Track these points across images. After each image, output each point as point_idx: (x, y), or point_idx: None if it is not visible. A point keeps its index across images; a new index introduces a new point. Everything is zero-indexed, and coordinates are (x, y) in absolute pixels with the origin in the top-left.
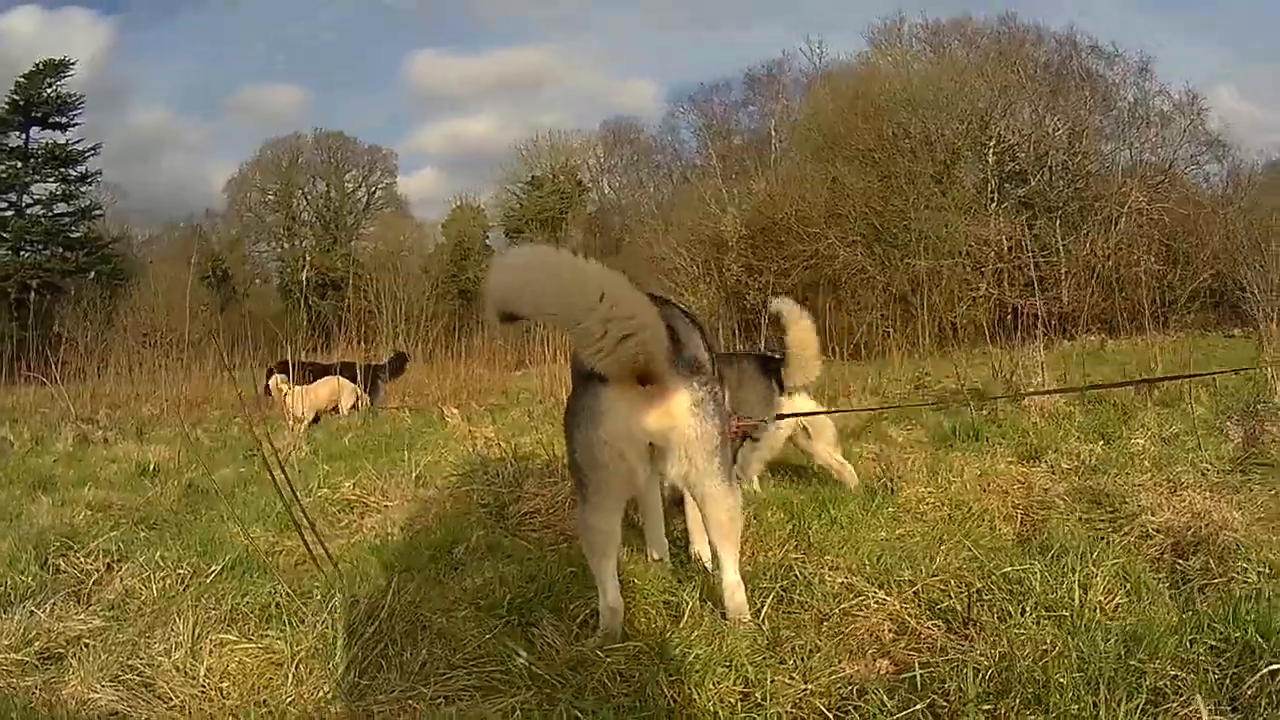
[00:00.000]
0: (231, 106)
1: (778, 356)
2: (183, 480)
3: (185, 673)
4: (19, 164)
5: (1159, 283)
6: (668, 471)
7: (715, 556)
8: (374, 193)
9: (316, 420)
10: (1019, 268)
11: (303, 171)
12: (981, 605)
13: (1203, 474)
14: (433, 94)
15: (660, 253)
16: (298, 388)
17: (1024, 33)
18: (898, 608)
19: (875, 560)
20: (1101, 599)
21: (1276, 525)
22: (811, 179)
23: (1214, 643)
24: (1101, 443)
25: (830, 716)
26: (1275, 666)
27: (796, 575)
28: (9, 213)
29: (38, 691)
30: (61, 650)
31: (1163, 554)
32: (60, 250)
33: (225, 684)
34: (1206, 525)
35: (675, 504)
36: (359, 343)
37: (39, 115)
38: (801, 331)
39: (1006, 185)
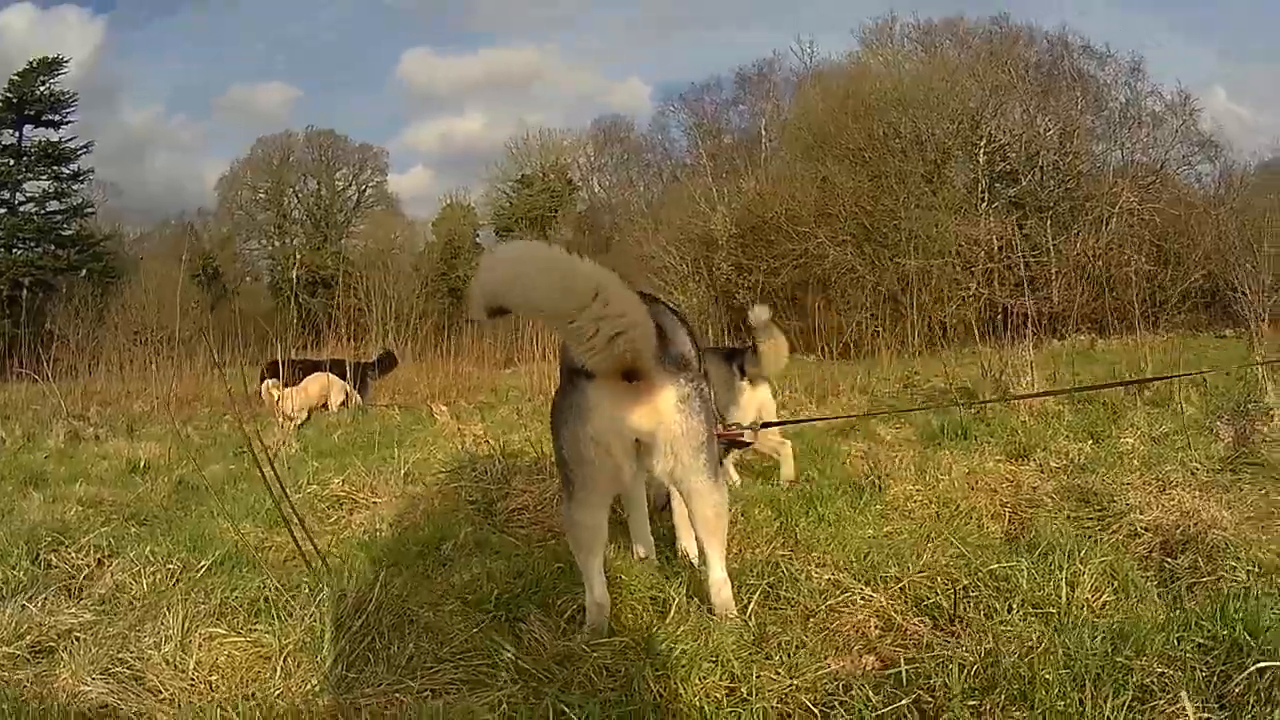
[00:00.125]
0: (223, 105)
1: (739, 348)
2: (173, 477)
3: (175, 666)
4: (12, 161)
5: (1150, 283)
6: (654, 467)
7: (702, 552)
8: (364, 191)
9: (308, 418)
10: (1009, 267)
11: (294, 169)
12: (968, 602)
13: (1192, 473)
14: (424, 92)
15: (650, 251)
16: (289, 388)
17: (1015, 33)
18: (884, 604)
19: (862, 557)
20: (1089, 596)
21: (1266, 524)
22: (801, 178)
23: (1201, 640)
24: (1091, 442)
25: (815, 712)
26: (1263, 664)
27: (783, 572)
28: (1, 210)
29: (29, 684)
30: (53, 644)
31: (1151, 552)
32: (52, 248)
33: (214, 677)
34: (1195, 524)
35: (661, 507)
36: (349, 340)
37: (32, 113)
38: (774, 346)
39: (997, 185)
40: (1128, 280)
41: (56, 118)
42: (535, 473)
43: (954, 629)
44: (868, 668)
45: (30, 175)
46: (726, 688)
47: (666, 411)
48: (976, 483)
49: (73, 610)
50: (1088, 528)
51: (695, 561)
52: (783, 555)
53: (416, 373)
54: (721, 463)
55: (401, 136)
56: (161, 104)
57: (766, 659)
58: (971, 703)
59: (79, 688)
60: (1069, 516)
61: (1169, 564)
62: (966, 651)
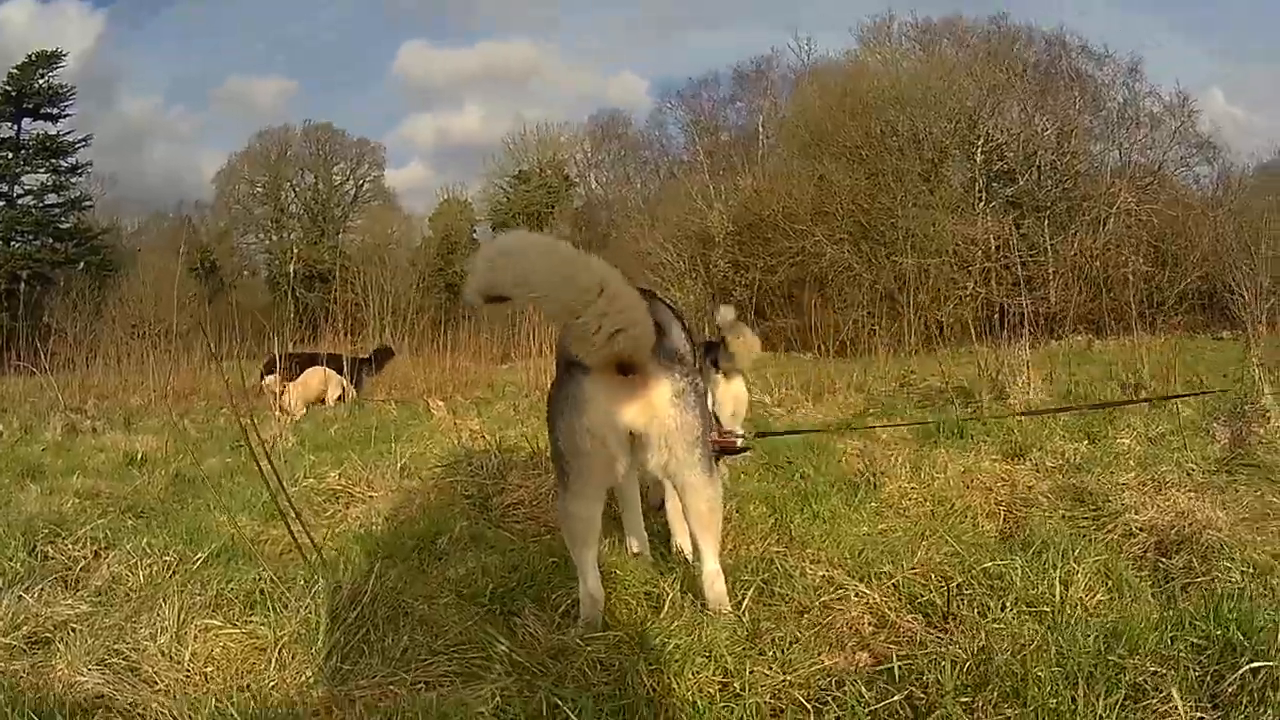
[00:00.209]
0: (221, 98)
1: (713, 341)
2: (170, 470)
3: (170, 657)
4: (10, 154)
5: (1147, 284)
6: (648, 461)
7: (695, 547)
8: (362, 185)
9: (305, 411)
10: (1006, 267)
11: (291, 164)
12: (962, 600)
13: (1188, 474)
14: (421, 86)
15: (647, 248)
16: (290, 384)
17: (1014, 32)
18: (878, 601)
19: (857, 554)
20: (1082, 595)
21: (1260, 526)
22: (799, 176)
23: (1195, 640)
24: (1086, 442)
25: (809, 707)
26: (1257, 664)
27: (777, 568)
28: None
29: (25, 675)
30: (49, 635)
31: (1146, 552)
32: (50, 241)
33: (209, 668)
34: (1190, 524)
35: (656, 507)
36: (346, 335)
37: (30, 106)
38: (744, 343)
39: (994, 184)
40: (1125, 281)
41: (55, 111)
42: (531, 468)
43: (947, 626)
44: (861, 664)
45: (28, 168)
46: (720, 683)
47: (661, 406)
48: (972, 481)
49: (69, 601)
50: (1082, 527)
51: (689, 557)
52: (777, 552)
53: (413, 367)
54: (718, 460)
55: (399, 131)
56: (159, 97)
57: (760, 654)
58: (964, 699)
59: (75, 678)
60: (1064, 516)
61: (1163, 564)
62: (959, 648)
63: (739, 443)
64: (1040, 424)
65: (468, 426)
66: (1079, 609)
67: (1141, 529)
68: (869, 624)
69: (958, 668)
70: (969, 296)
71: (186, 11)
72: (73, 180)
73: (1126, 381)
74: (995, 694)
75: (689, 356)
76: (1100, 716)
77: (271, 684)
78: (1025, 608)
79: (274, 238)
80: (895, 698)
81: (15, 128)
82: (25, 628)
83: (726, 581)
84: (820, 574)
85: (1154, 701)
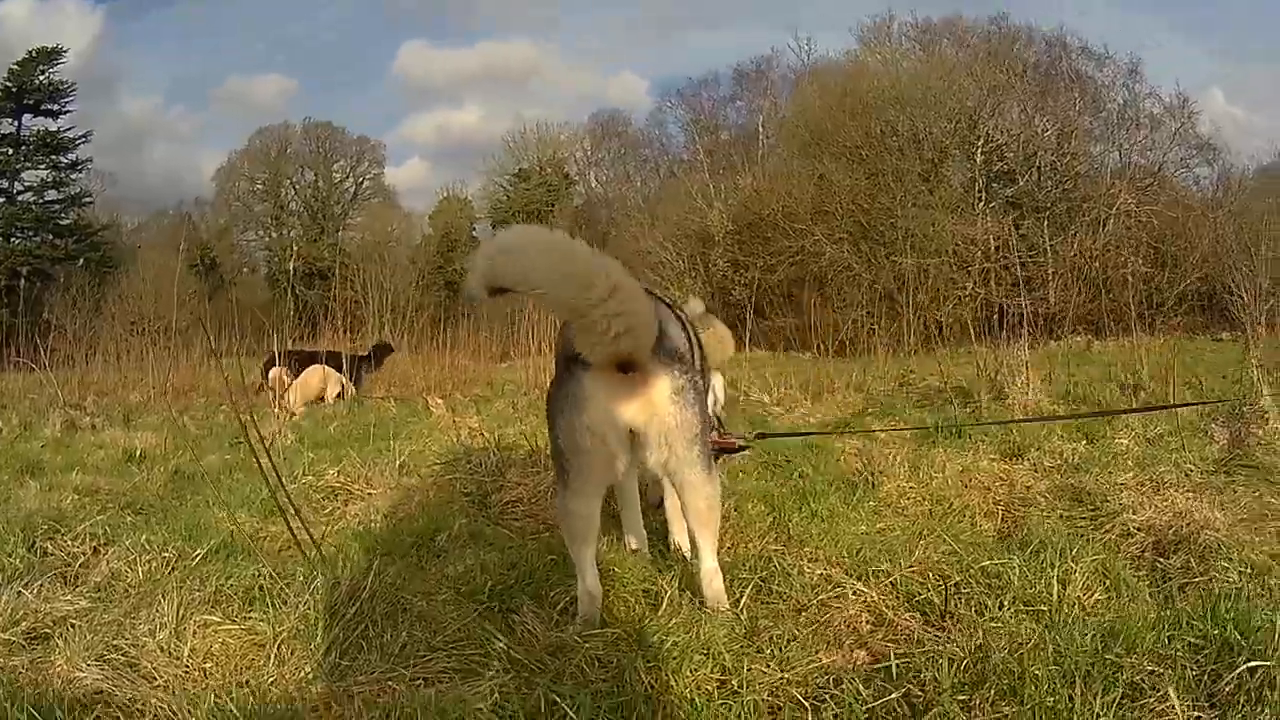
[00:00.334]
0: (221, 96)
1: None
2: (169, 466)
3: (169, 653)
4: (10, 151)
5: (1146, 285)
6: (648, 459)
7: (693, 544)
8: (361, 183)
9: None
10: (1005, 267)
11: (291, 161)
12: (959, 598)
13: (1186, 475)
14: (421, 85)
15: (646, 247)
16: (295, 380)
17: (1014, 33)
18: (876, 599)
19: (854, 553)
20: (1080, 594)
21: (1258, 526)
22: (798, 175)
23: (1192, 640)
24: (1085, 442)
25: (806, 705)
26: (1254, 664)
27: (776, 566)
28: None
29: (24, 671)
30: (48, 630)
31: (1143, 552)
32: (50, 237)
33: (208, 664)
34: (1188, 524)
35: (655, 505)
36: (345, 332)
37: (31, 102)
38: (714, 336)
39: (994, 185)
40: (1124, 282)
41: (55, 107)
42: (530, 466)
43: (945, 625)
44: (859, 662)
45: (29, 164)
46: (718, 680)
47: (660, 403)
48: (970, 481)
49: (68, 597)
50: (1080, 527)
51: (687, 555)
52: (775, 550)
53: (412, 365)
54: (717, 459)
55: (399, 129)
56: (159, 94)
57: (758, 652)
58: (961, 697)
59: (74, 674)
60: (1062, 516)
61: (1161, 564)
62: (957, 647)
63: (738, 443)
64: (1038, 424)
65: (466, 424)
66: (1076, 608)
67: (1139, 529)
68: (867, 622)
69: (955, 666)
70: (968, 297)
71: (186, 10)
72: (73, 176)
73: (1125, 383)
74: (993, 692)
75: (688, 355)
76: (1097, 715)
77: (270, 680)
78: (1023, 607)
79: (274, 235)
80: (893, 696)
81: (16, 124)
82: (24, 623)
83: (724, 579)
84: (818, 572)
85: (1151, 700)
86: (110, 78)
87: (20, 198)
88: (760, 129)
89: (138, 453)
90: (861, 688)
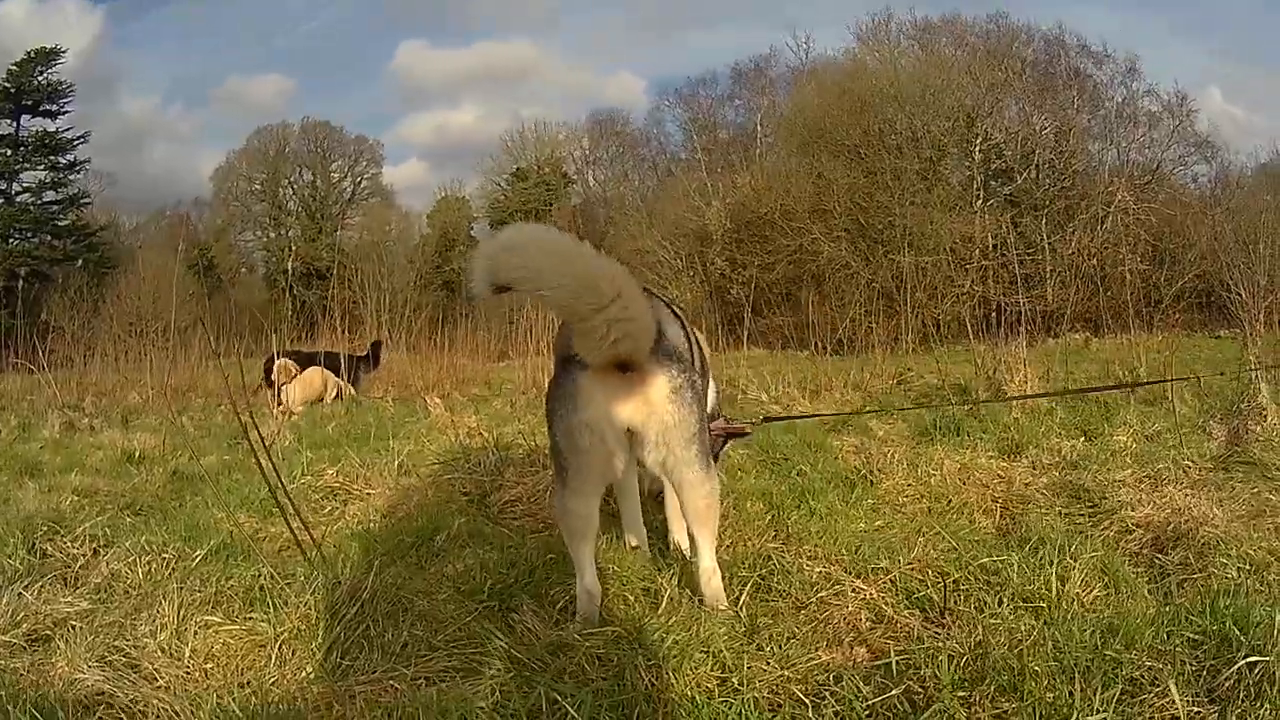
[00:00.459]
0: (220, 96)
1: None
2: (168, 467)
3: (170, 654)
4: (9, 151)
5: (1145, 282)
6: (646, 458)
7: (692, 542)
8: (359, 183)
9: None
10: (1004, 265)
11: (289, 161)
12: (958, 595)
13: (1184, 471)
14: (419, 85)
15: (644, 246)
16: (296, 379)
17: (1013, 31)
18: (875, 597)
19: (853, 550)
20: (1079, 591)
21: (1257, 522)
22: (796, 174)
23: (1191, 635)
24: (1083, 439)
25: (807, 702)
26: (1253, 659)
27: (775, 564)
28: None
29: (26, 672)
30: (49, 632)
31: (1142, 548)
32: (49, 238)
33: (210, 665)
34: (1186, 521)
35: (655, 497)
36: (343, 332)
37: (29, 103)
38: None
39: (992, 183)
40: (1122, 279)
41: (54, 108)
42: (528, 465)
43: (944, 621)
44: (858, 659)
45: (27, 165)
46: (718, 678)
47: (658, 402)
48: (968, 478)
49: (69, 599)
50: (1079, 524)
51: (687, 553)
52: (774, 548)
53: (411, 365)
54: (717, 457)
55: (396, 128)
56: (157, 95)
57: (758, 650)
58: (961, 693)
59: (75, 675)
60: (1060, 512)
61: (1160, 560)
62: (956, 643)
63: (745, 429)
64: (1037, 421)
65: (465, 424)
66: (1075, 604)
67: (1138, 525)
68: (866, 620)
69: (955, 662)
70: (966, 295)
71: (184, 10)
72: (71, 177)
73: (1123, 379)
74: (992, 688)
75: (686, 354)
76: (1097, 710)
77: (272, 680)
78: (1022, 603)
79: (272, 235)
80: (893, 692)
81: (14, 124)
82: (25, 625)
83: (723, 577)
84: (817, 570)
85: (1151, 696)
86: (109, 78)
87: (19, 199)
88: (758, 128)
89: (136, 454)
90: (862, 685)
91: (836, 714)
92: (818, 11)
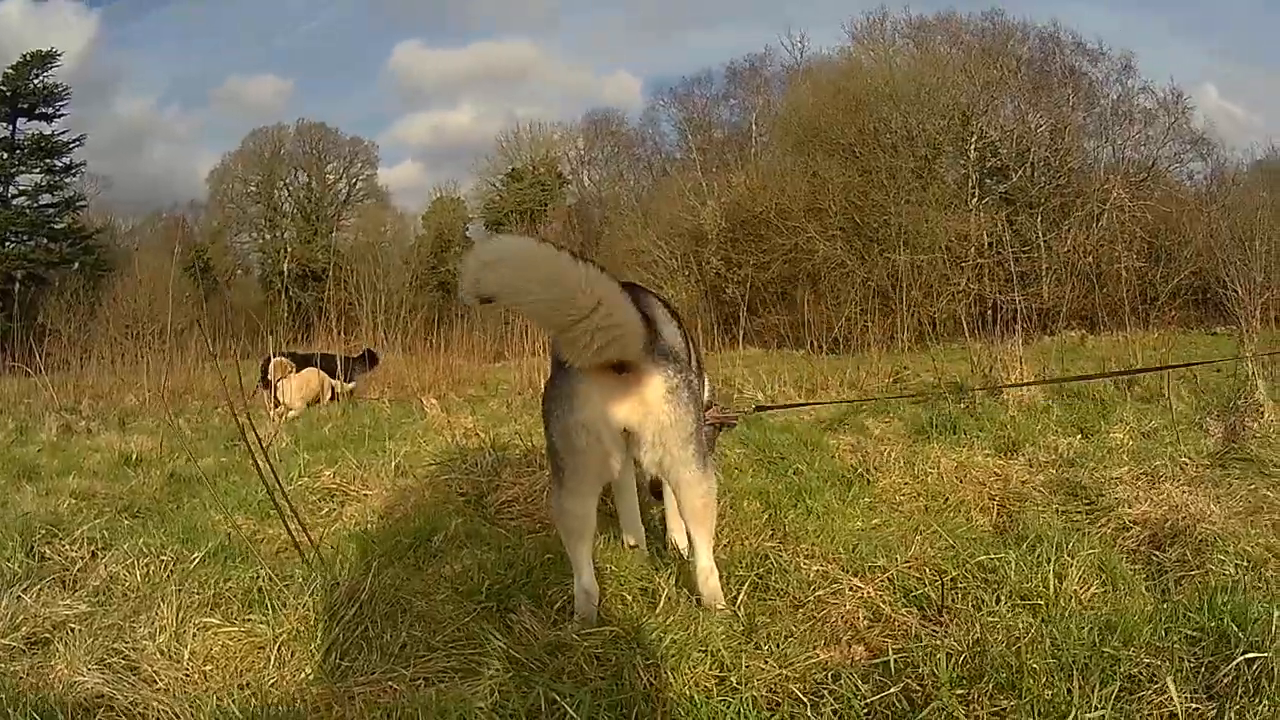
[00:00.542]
0: (215, 98)
1: None
2: (165, 469)
3: (169, 656)
4: (5, 155)
5: (1140, 279)
6: (643, 457)
7: (690, 541)
8: (355, 184)
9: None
10: (999, 263)
11: (284, 162)
12: (956, 593)
13: (1181, 468)
14: (415, 85)
15: (640, 245)
16: (294, 376)
17: (1008, 29)
18: (872, 595)
19: (851, 549)
20: (1077, 588)
21: (1254, 519)
22: (792, 173)
23: (1189, 632)
24: (1080, 437)
25: (805, 701)
26: (1251, 655)
27: (772, 563)
28: None
29: (25, 676)
30: (48, 635)
31: (1139, 545)
32: (45, 241)
33: (209, 667)
34: (1184, 518)
35: (654, 494)
36: (339, 334)
37: (25, 106)
38: None
39: (988, 181)
40: (1118, 276)
41: (50, 111)
42: (525, 465)
43: (942, 619)
44: (856, 657)
45: (23, 168)
46: (716, 677)
47: (654, 402)
48: (965, 476)
49: (67, 602)
50: (1076, 521)
51: (685, 553)
52: (771, 547)
53: (407, 366)
54: (712, 446)
55: (392, 129)
56: (153, 97)
57: (756, 649)
58: (959, 691)
59: (75, 678)
60: (1057, 510)
61: (1157, 557)
62: (954, 641)
63: (736, 418)
64: (1033, 419)
65: (461, 424)
66: (1073, 602)
67: (1135, 522)
68: (864, 618)
69: (953, 660)
70: (962, 293)
71: (182, 12)
72: (67, 180)
73: (1119, 377)
74: (990, 686)
75: (683, 354)
76: (1095, 707)
77: (271, 681)
78: (1019, 601)
79: (268, 237)
80: (891, 690)
81: (10, 128)
82: (24, 628)
83: (721, 576)
84: (815, 569)
85: (1149, 693)
86: (104, 81)
87: (14, 202)
88: (753, 127)
89: (134, 456)
90: (860, 683)
91: (835, 712)
92: (813, 11)
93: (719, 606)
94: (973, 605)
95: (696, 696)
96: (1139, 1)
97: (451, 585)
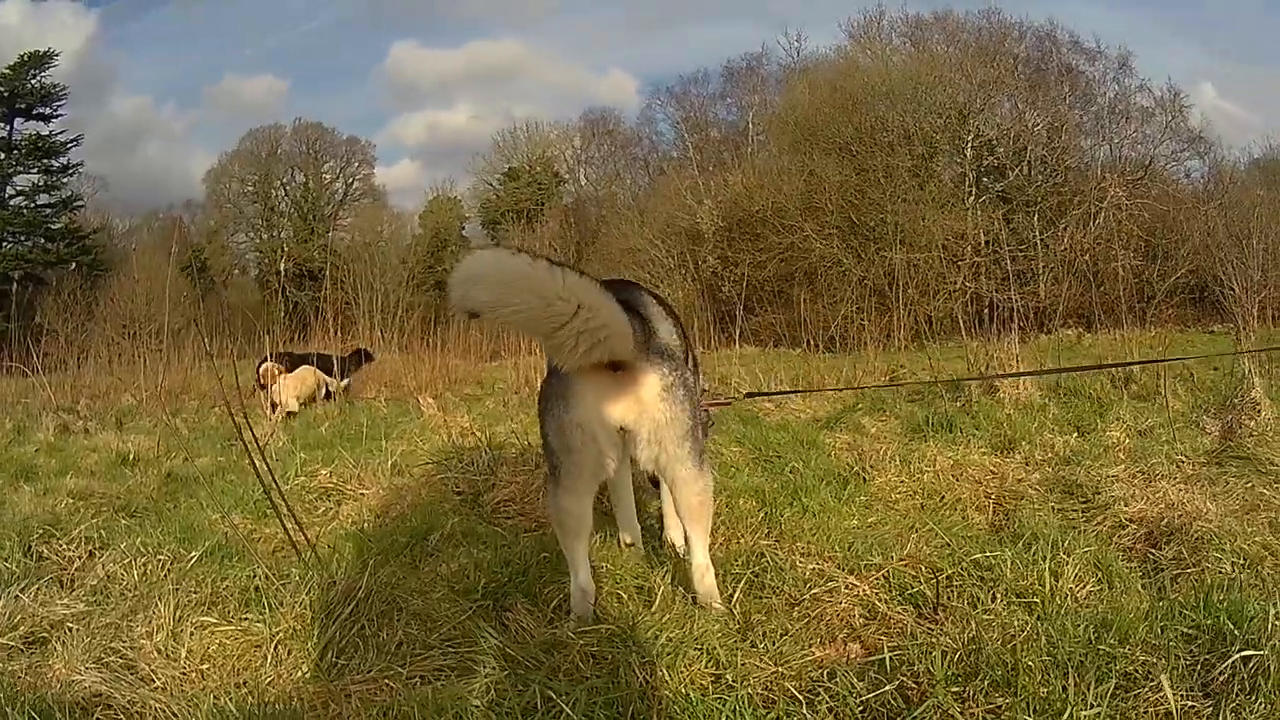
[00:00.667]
0: (212, 98)
1: None
2: (162, 469)
3: (167, 655)
4: (2, 155)
5: (1137, 278)
6: (639, 456)
7: (686, 538)
8: (351, 183)
9: (293, 414)
10: (996, 262)
11: (281, 162)
12: (951, 591)
13: (1178, 466)
14: (411, 85)
15: (636, 245)
16: (288, 375)
17: (1005, 28)
18: (868, 593)
19: (846, 547)
20: (1072, 586)
21: (1250, 516)
22: (788, 171)
23: (1185, 630)
24: (1076, 435)
25: (801, 698)
26: (1247, 653)
27: (768, 561)
28: None
29: (23, 675)
30: (46, 634)
31: (1135, 544)
32: (42, 241)
33: (206, 665)
34: (1180, 516)
35: (653, 484)
36: (336, 333)
37: (23, 107)
38: None
39: (984, 179)
40: (1115, 275)
41: (47, 111)
42: (521, 464)
43: (937, 617)
44: (852, 655)
45: (20, 169)
46: (711, 675)
47: (650, 401)
48: (961, 474)
49: (65, 601)
50: (1072, 519)
51: (681, 551)
52: (767, 545)
53: (403, 365)
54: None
55: (388, 129)
56: (150, 97)
57: (751, 647)
58: (955, 689)
59: (72, 677)
60: (1054, 508)
61: (1153, 555)
62: (950, 639)
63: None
64: (1029, 417)
65: (458, 423)
66: (1069, 600)
67: (1131, 521)
68: (859, 616)
69: (948, 658)
70: (958, 291)
71: (178, 11)
72: (64, 180)
73: (1116, 375)
74: (986, 683)
75: (679, 352)
76: (1091, 705)
77: (268, 680)
78: (1015, 599)
79: (264, 236)
80: (887, 688)
81: (7, 128)
82: (22, 628)
83: (717, 574)
84: (810, 567)
85: (1145, 690)
86: (102, 81)
87: (12, 202)
88: (750, 126)
89: (131, 456)
90: (855, 681)
91: (830, 710)
92: (810, 9)
93: (715, 604)
94: (968, 603)
95: (692, 694)
96: (1136, 1)
97: (448, 584)
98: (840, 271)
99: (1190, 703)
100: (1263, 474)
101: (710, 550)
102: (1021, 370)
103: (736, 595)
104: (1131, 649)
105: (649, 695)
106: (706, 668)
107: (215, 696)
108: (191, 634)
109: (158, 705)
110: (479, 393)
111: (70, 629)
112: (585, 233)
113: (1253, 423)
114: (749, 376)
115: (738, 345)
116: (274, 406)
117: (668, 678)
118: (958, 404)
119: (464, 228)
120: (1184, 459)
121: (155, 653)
